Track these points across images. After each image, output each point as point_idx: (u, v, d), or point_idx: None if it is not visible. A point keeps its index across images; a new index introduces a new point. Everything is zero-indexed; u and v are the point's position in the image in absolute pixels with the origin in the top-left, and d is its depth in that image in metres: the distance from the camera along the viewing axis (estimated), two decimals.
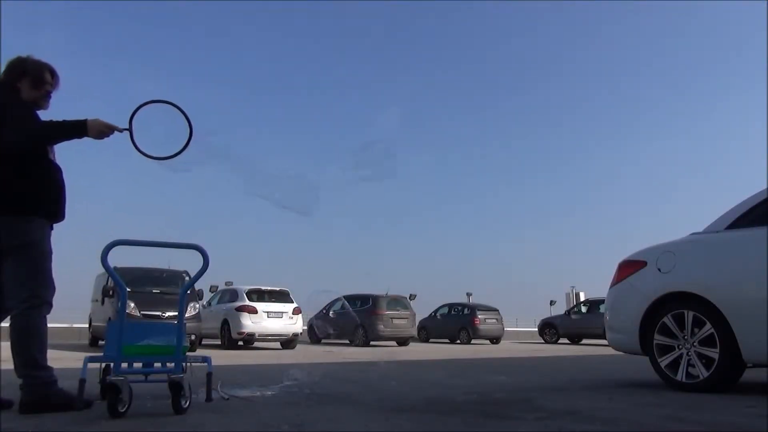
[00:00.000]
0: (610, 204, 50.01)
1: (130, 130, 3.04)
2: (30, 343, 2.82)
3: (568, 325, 19.16)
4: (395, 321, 15.63)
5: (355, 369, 6.66)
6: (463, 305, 20.48)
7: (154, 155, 3.11)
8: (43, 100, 3.08)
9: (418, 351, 12.87)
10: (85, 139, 2.98)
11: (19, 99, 2.99)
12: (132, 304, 10.30)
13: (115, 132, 3.02)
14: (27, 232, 2.86)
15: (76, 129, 2.95)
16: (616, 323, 4.61)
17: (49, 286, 2.93)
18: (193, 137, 3.13)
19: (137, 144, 3.05)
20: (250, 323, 12.96)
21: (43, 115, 3.06)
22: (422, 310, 20.37)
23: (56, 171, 3.08)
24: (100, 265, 2.87)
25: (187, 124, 3.14)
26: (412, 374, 5.98)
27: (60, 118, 3.01)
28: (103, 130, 2.97)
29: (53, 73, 3.11)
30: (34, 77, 3.03)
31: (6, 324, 2.90)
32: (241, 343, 13.28)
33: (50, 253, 2.98)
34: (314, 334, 16.99)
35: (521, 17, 48.72)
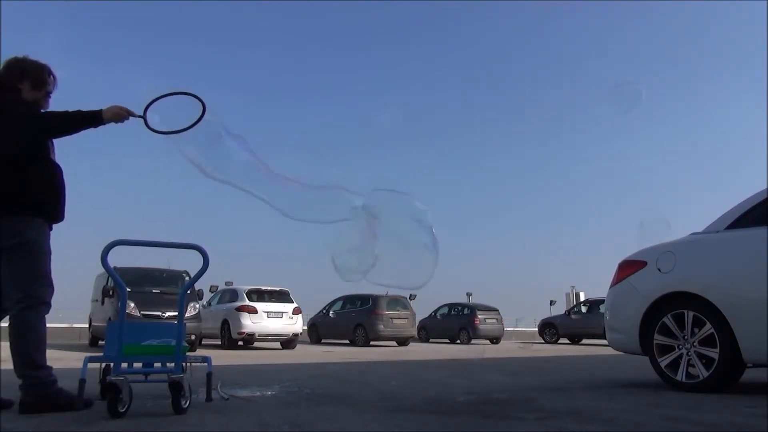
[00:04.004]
0: (610, 204, 50.01)
1: (144, 118, 3.06)
2: (28, 343, 2.82)
3: (568, 325, 19.17)
4: (395, 321, 15.64)
5: (355, 369, 6.66)
6: (463, 305, 20.48)
7: (167, 130, 3.12)
8: (43, 101, 3.09)
9: (418, 351, 12.87)
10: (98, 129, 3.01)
11: (22, 99, 3.00)
12: (132, 304, 10.30)
13: (131, 118, 3.03)
14: (25, 232, 2.86)
15: (93, 119, 2.95)
16: (616, 323, 4.61)
17: (47, 286, 2.93)
18: (206, 113, 3.13)
19: (150, 124, 3.06)
20: (250, 323, 12.96)
21: None
22: (422, 310, 20.39)
23: (56, 171, 3.07)
24: (100, 265, 2.87)
25: (199, 102, 3.13)
26: (412, 374, 5.98)
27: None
28: (119, 112, 2.98)
29: (51, 74, 3.12)
30: (34, 78, 3.04)
31: (5, 324, 2.90)
32: (241, 343, 13.28)
33: (49, 253, 2.97)
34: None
35: (521, 17, 48.73)
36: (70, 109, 2.97)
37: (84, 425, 2.49)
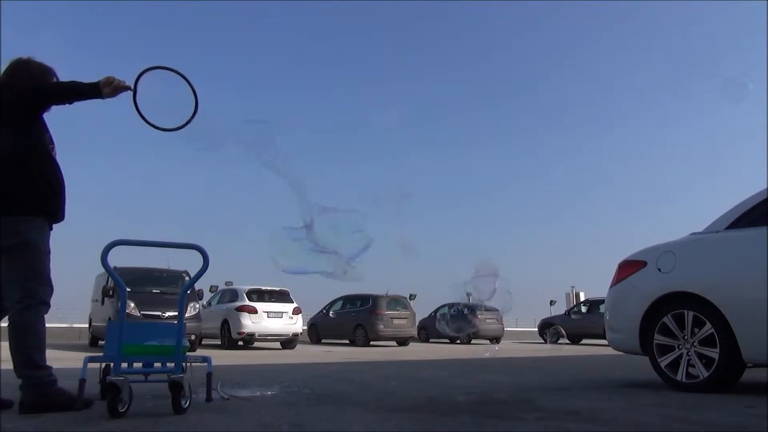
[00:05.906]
0: (610, 204, 50.00)
1: (134, 90, 3.04)
2: (27, 343, 2.82)
3: (568, 325, 19.15)
4: (395, 321, 15.63)
5: (355, 369, 6.66)
6: (464, 305, 20.44)
7: (159, 125, 3.12)
8: None
9: (418, 351, 12.87)
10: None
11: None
12: (132, 304, 10.30)
13: (123, 93, 3.02)
14: (24, 232, 2.86)
15: (91, 89, 2.96)
16: (616, 323, 4.61)
17: (46, 286, 2.93)
18: (198, 111, 3.13)
19: (140, 107, 3.05)
20: (250, 323, 12.97)
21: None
22: (422, 310, 20.39)
23: (56, 170, 3.07)
24: (100, 265, 2.87)
25: (193, 97, 3.13)
26: (412, 374, 5.98)
27: (58, 119, 3.04)
28: (112, 80, 2.97)
29: (55, 76, 3.13)
30: (38, 80, 3.04)
31: (5, 324, 2.90)
32: (241, 343, 13.29)
33: (48, 253, 2.97)
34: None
35: (521, 17, 48.73)
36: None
37: (84, 425, 2.49)
